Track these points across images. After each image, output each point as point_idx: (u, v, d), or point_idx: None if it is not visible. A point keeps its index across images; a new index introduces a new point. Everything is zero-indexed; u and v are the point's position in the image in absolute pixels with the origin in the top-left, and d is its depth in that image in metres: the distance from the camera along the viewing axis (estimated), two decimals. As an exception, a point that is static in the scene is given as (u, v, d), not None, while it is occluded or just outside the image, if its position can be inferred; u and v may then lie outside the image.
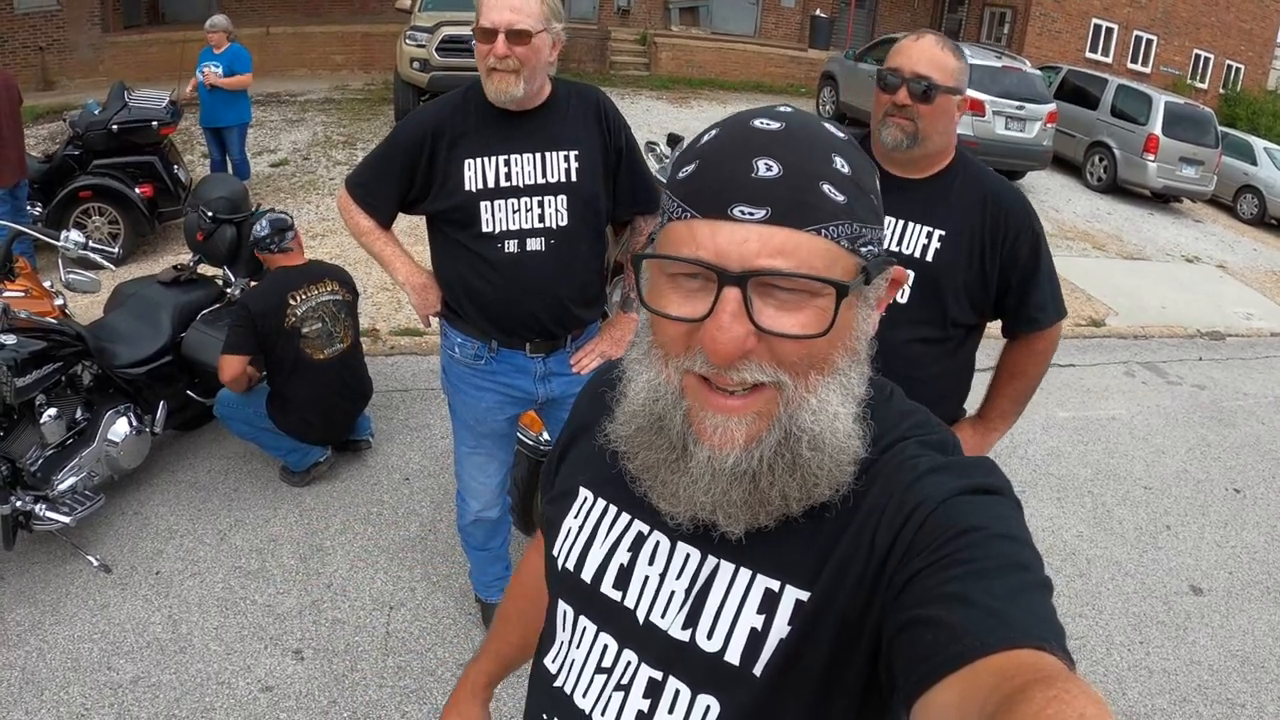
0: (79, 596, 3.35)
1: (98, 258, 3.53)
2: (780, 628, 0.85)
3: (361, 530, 3.88)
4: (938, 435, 0.90)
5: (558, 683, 1.02)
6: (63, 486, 3.40)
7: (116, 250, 3.95)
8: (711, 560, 0.90)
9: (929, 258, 2.19)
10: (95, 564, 3.46)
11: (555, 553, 1.05)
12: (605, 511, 1.01)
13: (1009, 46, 18.36)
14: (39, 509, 3.31)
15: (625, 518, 0.99)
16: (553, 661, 1.05)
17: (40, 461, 3.38)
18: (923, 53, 2.11)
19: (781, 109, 0.85)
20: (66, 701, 2.91)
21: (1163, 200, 13.70)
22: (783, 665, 0.84)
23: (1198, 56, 21.94)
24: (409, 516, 4.00)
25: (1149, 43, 21.00)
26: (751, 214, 0.77)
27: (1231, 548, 4.55)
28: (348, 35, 15.50)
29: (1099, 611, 3.84)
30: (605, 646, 0.97)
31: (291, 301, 3.81)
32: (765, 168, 0.78)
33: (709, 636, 0.88)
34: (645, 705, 0.92)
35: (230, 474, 4.19)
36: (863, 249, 0.81)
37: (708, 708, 0.88)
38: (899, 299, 2.20)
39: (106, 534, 3.69)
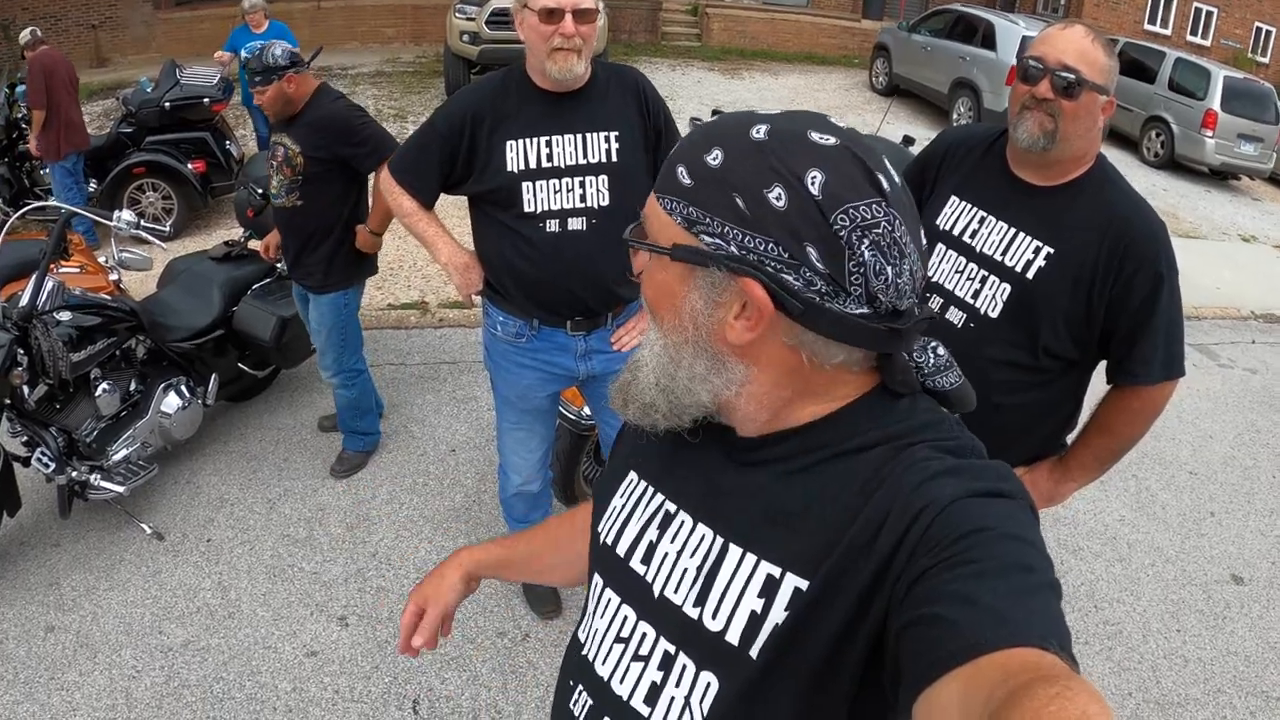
0: (132, 563, 3.47)
1: (149, 236, 3.62)
2: (777, 613, 0.88)
3: (407, 500, 3.96)
4: (954, 440, 0.90)
5: (584, 651, 1.08)
6: (117, 457, 3.51)
7: (168, 228, 4.03)
8: (721, 542, 0.94)
9: (1029, 274, 2.01)
10: (148, 532, 3.58)
11: (599, 528, 1.11)
12: (645, 491, 1.06)
13: (1065, 18, 17.97)
14: (94, 479, 3.43)
15: (659, 498, 1.04)
16: (582, 631, 1.11)
17: (95, 433, 3.49)
18: (1071, 43, 1.92)
19: (753, 110, 0.91)
20: (119, 664, 3.03)
21: (1220, 177, 13.38)
22: (779, 650, 0.87)
23: (1259, 30, 21.27)
24: (454, 487, 4.08)
25: (1209, 15, 20.40)
26: None
27: (1276, 536, 4.47)
28: (398, 8, 15.57)
29: (1137, 598, 3.82)
30: (625, 618, 1.03)
31: None
32: None
33: (714, 616, 0.92)
34: (659, 677, 0.97)
35: (280, 444, 4.30)
36: (701, 235, 0.85)
37: (709, 684, 0.93)
38: (990, 313, 2.07)
39: (159, 503, 3.81)
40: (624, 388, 0.98)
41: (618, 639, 1.03)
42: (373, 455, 4.23)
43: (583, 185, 2.46)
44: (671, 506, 1.02)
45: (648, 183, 2.59)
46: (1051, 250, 2.00)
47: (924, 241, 0.88)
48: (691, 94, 12.64)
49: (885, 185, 0.83)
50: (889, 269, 0.83)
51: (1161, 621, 3.70)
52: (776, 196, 0.82)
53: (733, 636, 0.90)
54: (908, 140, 5.65)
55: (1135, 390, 2.09)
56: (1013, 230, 2.06)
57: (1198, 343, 7.00)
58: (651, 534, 1.02)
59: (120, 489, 3.45)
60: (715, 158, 0.85)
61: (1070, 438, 2.31)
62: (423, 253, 6.63)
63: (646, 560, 1.01)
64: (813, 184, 0.81)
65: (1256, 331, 7.64)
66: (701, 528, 0.97)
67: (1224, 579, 4.06)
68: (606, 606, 1.06)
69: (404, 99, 11.27)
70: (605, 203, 2.49)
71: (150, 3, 13.84)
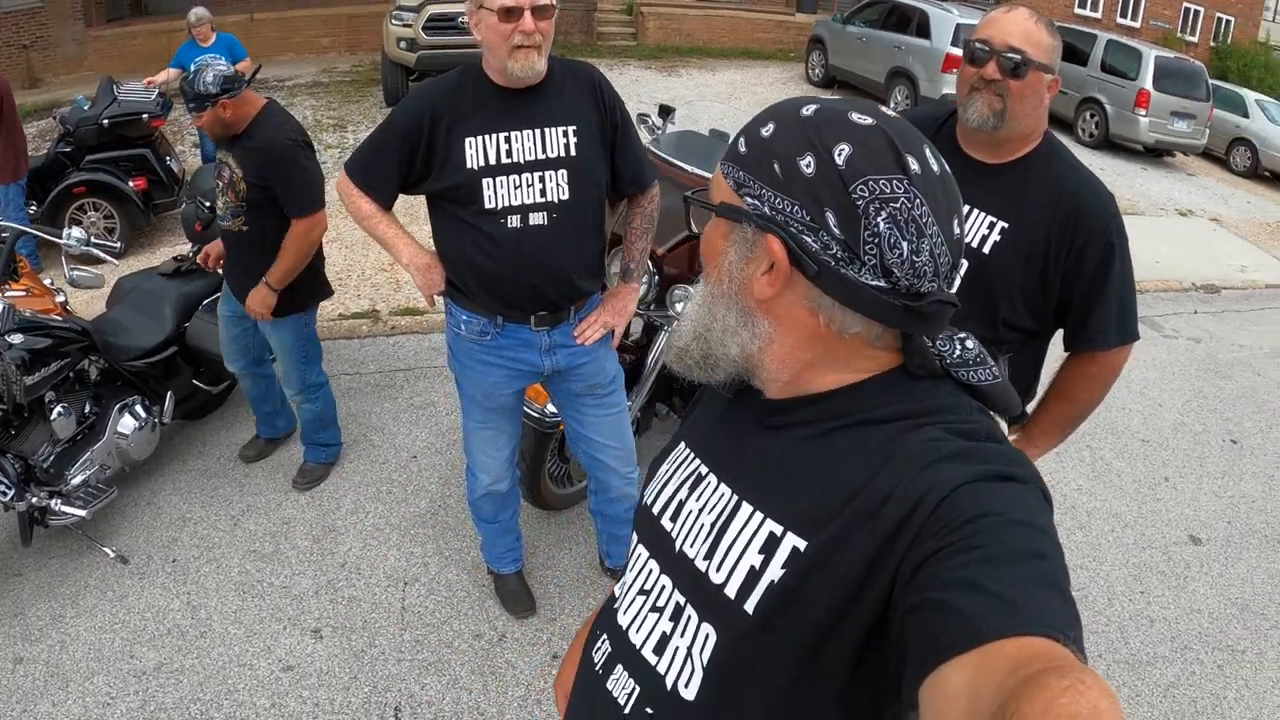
0: (98, 588, 3.40)
1: (100, 253, 3.56)
2: (774, 570, 0.90)
3: (372, 509, 3.93)
4: (969, 424, 0.91)
5: (615, 603, 1.14)
6: (76, 481, 3.43)
7: (118, 244, 3.95)
8: (736, 500, 0.99)
9: (985, 249, 2.06)
10: (112, 555, 3.51)
11: (645, 490, 1.17)
12: (687, 457, 1.11)
13: (997, 3, 18.27)
14: (54, 504, 3.35)
15: (696, 462, 1.09)
16: (618, 586, 1.16)
17: (52, 457, 3.41)
18: (1016, 25, 1.97)
19: (818, 95, 0.99)
20: (92, 691, 2.97)
21: (1155, 155, 13.70)
22: (775, 608, 0.90)
23: (1187, 10, 21.82)
24: (418, 493, 4.06)
25: (1137, -3, 20.88)
26: None
27: (1229, 498, 4.61)
28: (332, 18, 15.41)
29: (1099, 563, 3.91)
30: (650, 571, 1.07)
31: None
32: None
33: (718, 569, 0.96)
34: (669, 628, 1.01)
35: (240, 460, 4.23)
36: (745, 196, 0.94)
37: (707, 636, 0.96)
38: None
39: (121, 525, 3.74)
40: (670, 335, 1.04)
41: (641, 591, 1.08)
42: (334, 466, 4.19)
43: (543, 180, 2.46)
44: (704, 469, 1.07)
45: (606, 176, 2.63)
46: (1005, 225, 2.06)
47: (959, 234, 0.91)
48: (630, 93, 12.63)
49: (913, 167, 0.87)
50: (904, 244, 0.86)
51: (1125, 584, 3.79)
52: (807, 164, 0.89)
53: (731, 590, 0.93)
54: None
55: (1092, 356, 2.16)
56: (967, 207, 2.09)
57: (1142, 315, 7.07)
58: (682, 494, 1.07)
59: (82, 513, 3.37)
60: (768, 129, 0.93)
61: (1030, 407, 2.36)
62: (370, 261, 6.59)
63: (674, 518, 1.06)
64: (839, 155, 0.87)
65: (1198, 302, 7.85)
66: (723, 487, 1.02)
67: (1182, 540, 4.17)
68: (638, 560, 1.11)
69: (343, 108, 11.15)
70: (565, 197, 2.49)
71: (81, 21, 13.53)
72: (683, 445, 1.15)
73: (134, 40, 13.62)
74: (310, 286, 3.65)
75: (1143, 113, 12.76)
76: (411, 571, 3.55)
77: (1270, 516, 4.49)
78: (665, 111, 4.95)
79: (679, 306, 3.50)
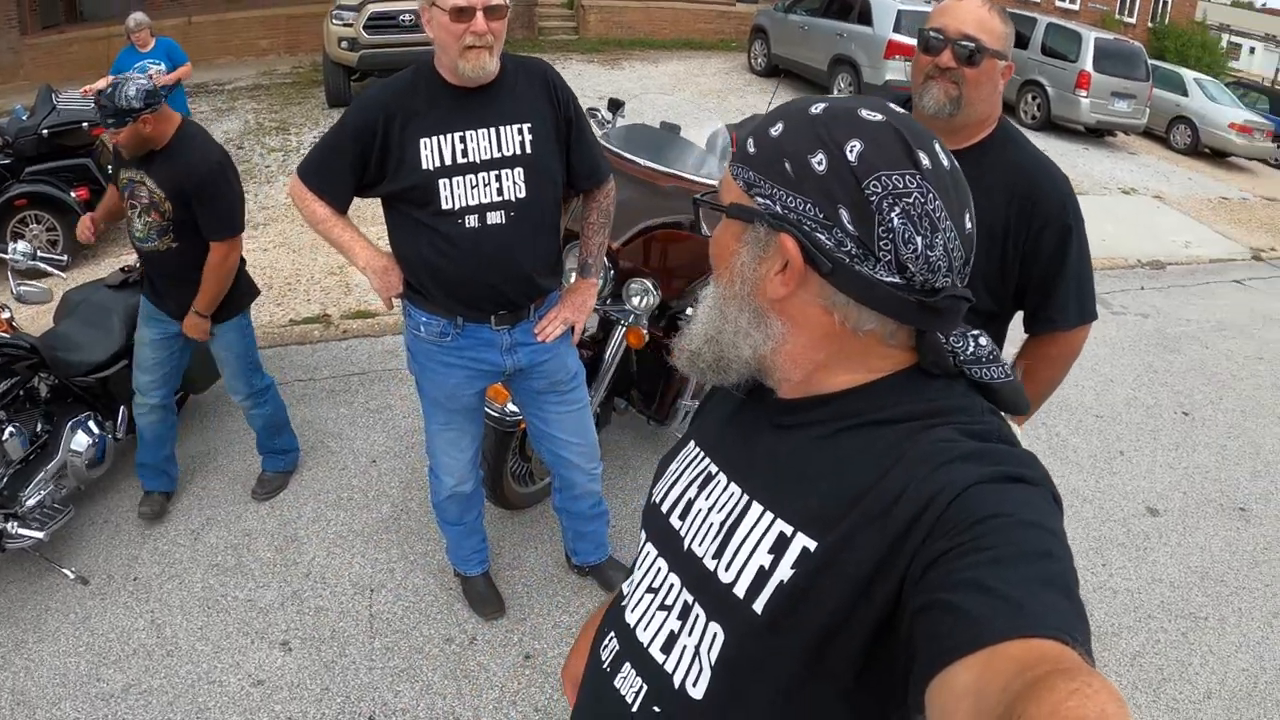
0: (59, 611, 3.32)
1: (47, 266, 3.47)
2: (784, 570, 0.90)
3: (334, 516, 3.88)
4: (981, 424, 0.91)
5: (622, 602, 1.13)
6: (31, 502, 3.35)
7: (64, 257, 3.86)
8: (746, 499, 0.99)
9: None
10: (72, 576, 3.43)
11: (653, 488, 1.16)
12: (697, 456, 1.11)
13: (938, -8, 18.43)
14: (10, 527, 3.26)
15: (706, 460, 1.09)
16: (627, 584, 1.16)
17: (5, 479, 3.33)
18: (969, 13, 2.00)
19: (836, 97, 0.98)
20: (60, 718, 2.90)
21: (1097, 135, 13.94)
22: (783, 608, 0.89)
23: (1124, -9, 22.22)
24: (380, 499, 4.02)
25: (1075, -21, 21.21)
26: None
27: (1184, 469, 4.72)
28: (271, 19, 15.19)
29: (1061, 538, 3.97)
30: (659, 570, 1.07)
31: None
32: None
33: (727, 569, 0.96)
34: (677, 626, 1.01)
35: (197, 473, 4.16)
36: (755, 196, 0.94)
37: (715, 635, 0.96)
38: None
39: (79, 545, 3.66)
40: (679, 338, 1.05)
41: (649, 589, 1.08)
42: (293, 474, 4.14)
43: (499, 179, 2.45)
44: (714, 468, 1.07)
45: (561, 172, 2.62)
46: None
47: (970, 228, 0.91)
48: (574, 87, 12.49)
49: (925, 162, 0.87)
50: (918, 239, 0.86)
51: (1086, 558, 3.86)
52: (819, 161, 0.89)
53: (740, 589, 0.93)
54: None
55: (1053, 337, 2.19)
56: None
57: (1092, 293, 7.29)
58: (691, 492, 1.07)
59: (39, 535, 3.29)
60: (777, 129, 0.94)
61: None
62: (320, 265, 6.52)
63: (683, 516, 1.06)
64: (850, 152, 0.88)
65: (1144, 278, 8.00)
66: (733, 486, 1.02)
67: (1140, 512, 4.26)
68: (646, 558, 1.11)
69: (284, 110, 10.97)
70: (522, 194, 2.48)
71: (16, 29, 13.19)
72: (692, 444, 1.15)
73: (71, 47, 13.32)
74: (242, 287, 3.63)
75: (1083, 94, 12.98)
76: (378, 578, 3.52)
77: (1224, 485, 4.60)
78: (615, 105, 4.94)
79: (635, 301, 3.51)
